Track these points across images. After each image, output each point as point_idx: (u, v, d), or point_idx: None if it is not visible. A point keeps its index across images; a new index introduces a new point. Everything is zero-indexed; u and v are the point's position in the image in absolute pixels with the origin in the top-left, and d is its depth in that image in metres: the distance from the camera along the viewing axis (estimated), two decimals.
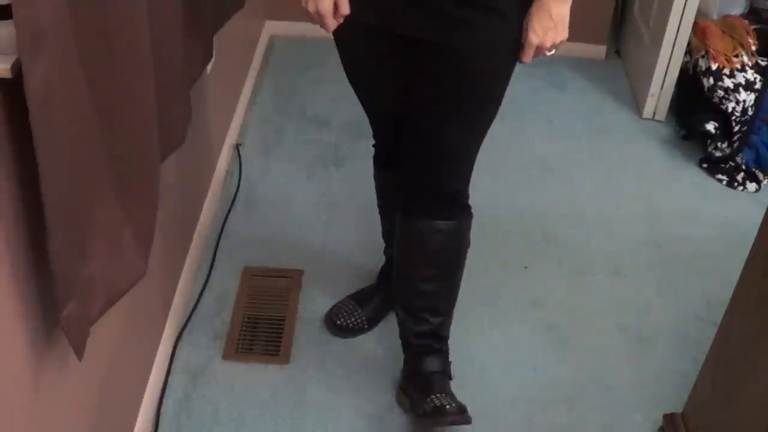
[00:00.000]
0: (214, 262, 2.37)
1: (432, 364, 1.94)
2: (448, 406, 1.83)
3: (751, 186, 2.83)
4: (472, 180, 1.83)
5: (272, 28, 3.53)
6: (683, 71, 3.05)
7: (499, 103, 1.72)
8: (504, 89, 1.70)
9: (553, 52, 1.58)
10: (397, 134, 1.80)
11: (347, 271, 2.37)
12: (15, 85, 1.01)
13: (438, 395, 1.86)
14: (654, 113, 3.15)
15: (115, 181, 1.29)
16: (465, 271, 1.95)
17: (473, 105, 1.70)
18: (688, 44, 2.99)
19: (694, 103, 2.98)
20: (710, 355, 1.79)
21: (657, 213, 2.70)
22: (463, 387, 2.06)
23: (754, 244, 1.61)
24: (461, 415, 1.84)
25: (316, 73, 3.29)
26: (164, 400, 1.97)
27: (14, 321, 1.19)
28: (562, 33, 1.54)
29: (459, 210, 1.85)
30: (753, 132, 2.84)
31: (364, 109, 1.88)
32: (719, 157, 2.87)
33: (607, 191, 2.78)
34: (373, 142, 1.97)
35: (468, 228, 1.88)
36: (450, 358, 1.99)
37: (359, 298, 2.19)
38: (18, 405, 1.23)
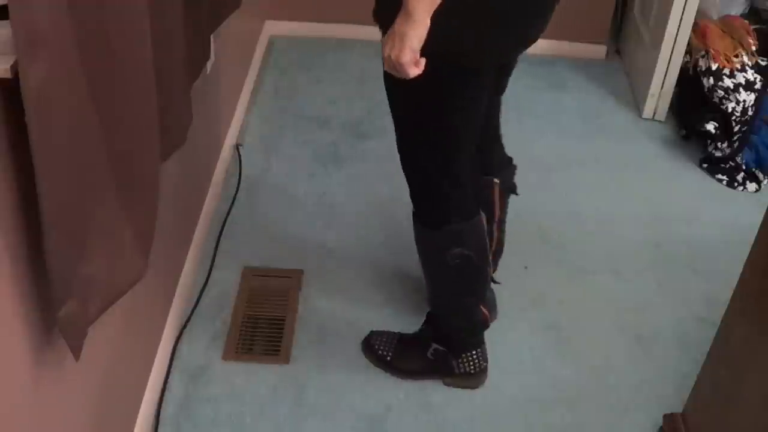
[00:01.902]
0: (214, 262, 2.37)
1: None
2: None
3: (751, 186, 2.83)
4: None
5: (272, 28, 3.53)
6: (683, 71, 3.05)
7: (419, 117, 1.67)
8: (417, 98, 1.63)
9: (400, 73, 1.46)
10: None
11: (347, 271, 2.37)
12: (15, 85, 1.01)
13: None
14: (654, 113, 3.15)
15: (115, 181, 1.29)
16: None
17: (398, 113, 1.73)
18: (688, 44, 2.99)
19: (694, 103, 2.98)
20: (710, 355, 1.79)
21: (657, 213, 2.70)
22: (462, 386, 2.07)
23: (754, 244, 1.61)
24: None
25: (316, 73, 3.29)
26: (164, 400, 1.97)
27: (13, 320, 1.19)
28: (397, 50, 1.43)
29: (418, 221, 1.87)
30: (753, 132, 2.84)
31: None
32: (719, 157, 2.87)
33: (607, 191, 2.78)
34: None
35: (435, 242, 1.86)
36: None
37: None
38: (17, 405, 1.23)
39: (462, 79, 1.62)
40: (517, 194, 2.08)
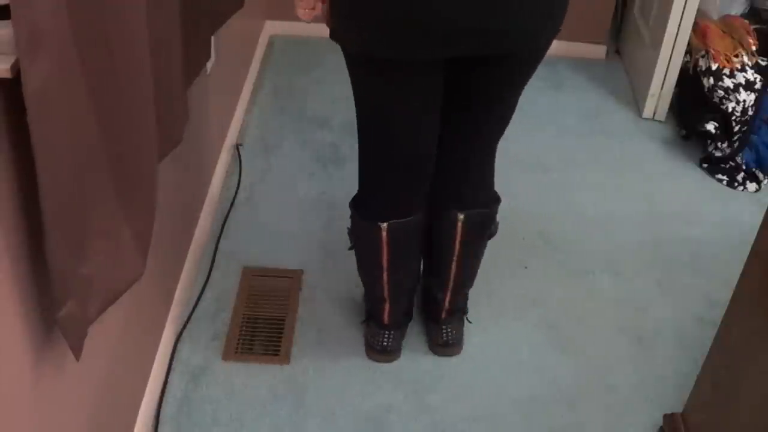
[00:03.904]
0: (214, 262, 2.37)
1: None
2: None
3: (751, 186, 2.83)
4: None
5: (272, 28, 3.53)
6: (683, 71, 3.05)
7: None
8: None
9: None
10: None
11: (347, 271, 2.36)
12: (15, 85, 1.01)
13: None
14: (654, 113, 3.16)
15: (113, 180, 1.29)
16: None
17: None
18: (688, 44, 2.99)
19: (694, 103, 2.98)
20: (710, 355, 1.79)
21: (657, 213, 2.70)
22: (463, 386, 2.07)
23: (754, 244, 1.61)
24: None
25: (316, 73, 3.29)
26: (164, 400, 1.97)
27: (13, 320, 1.19)
28: None
29: None
30: (753, 132, 2.84)
31: None
32: (719, 157, 2.87)
33: (607, 191, 2.78)
34: None
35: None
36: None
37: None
38: (17, 405, 1.23)
39: (354, 65, 1.65)
40: (492, 236, 1.98)
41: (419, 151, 1.77)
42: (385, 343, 2.09)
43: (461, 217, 1.87)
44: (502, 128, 1.82)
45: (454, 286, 2.03)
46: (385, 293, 1.99)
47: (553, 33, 1.60)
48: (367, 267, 2.00)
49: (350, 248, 2.00)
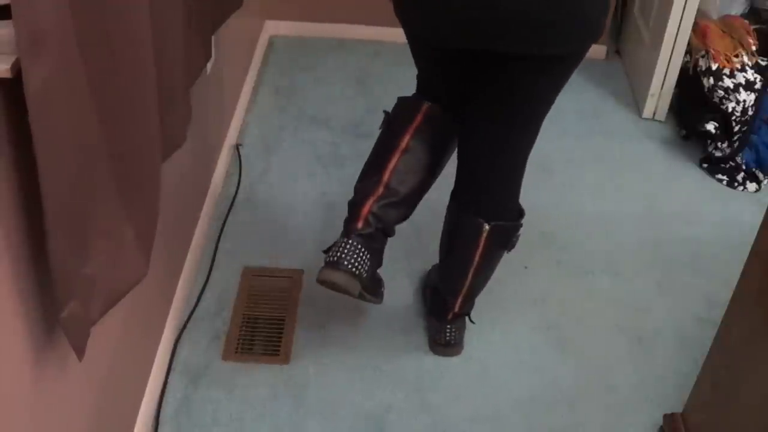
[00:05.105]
0: (214, 262, 2.37)
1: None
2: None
3: (751, 186, 2.83)
4: None
5: (272, 28, 3.53)
6: (683, 71, 3.05)
7: None
8: None
9: None
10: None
11: None
12: (15, 85, 1.01)
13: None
14: (654, 113, 3.16)
15: (116, 181, 1.29)
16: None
17: None
18: (688, 44, 3.00)
19: (694, 103, 2.98)
20: (710, 355, 1.79)
21: (657, 213, 2.70)
22: (463, 386, 2.07)
23: (754, 244, 1.61)
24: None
25: (316, 73, 3.29)
26: (164, 400, 1.97)
27: (14, 320, 1.19)
28: None
29: None
30: (753, 132, 2.84)
31: None
32: (719, 157, 2.87)
33: (606, 191, 2.78)
34: None
35: None
36: None
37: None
38: (18, 405, 1.23)
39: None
40: (508, 252, 1.99)
41: (441, 76, 1.94)
42: (340, 254, 1.79)
43: (487, 227, 1.89)
44: (529, 139, 1.86)
45: (467, 292, 2.04)
46: (385, 176, 1.86)
47: (587, 37, 1.67)
48: (383, 147, 1.92)
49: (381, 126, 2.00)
